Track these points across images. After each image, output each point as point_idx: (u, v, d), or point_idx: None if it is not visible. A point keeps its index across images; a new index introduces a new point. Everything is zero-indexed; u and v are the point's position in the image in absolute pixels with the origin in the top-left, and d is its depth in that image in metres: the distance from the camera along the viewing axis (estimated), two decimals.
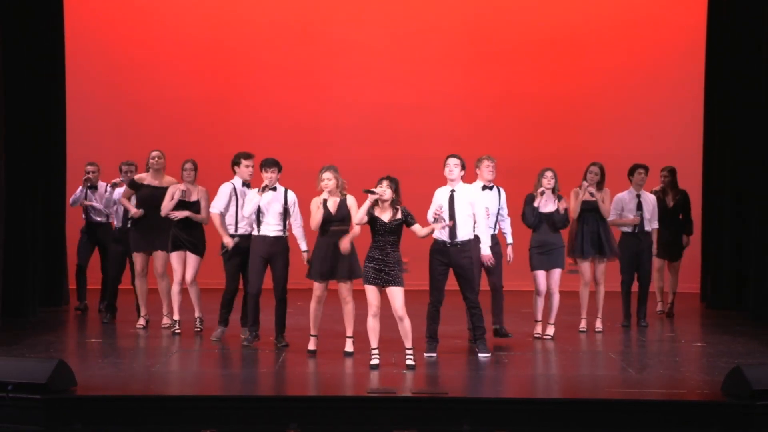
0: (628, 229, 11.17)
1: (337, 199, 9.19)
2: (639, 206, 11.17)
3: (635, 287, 11.33)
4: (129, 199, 10.80)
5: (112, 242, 11.50)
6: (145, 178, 10.73)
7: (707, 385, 8.09)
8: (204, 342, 10.10)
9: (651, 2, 14.92)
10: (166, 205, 10.32)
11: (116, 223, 11.45)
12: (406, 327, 8.74)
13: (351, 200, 9.23)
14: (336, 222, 9.19)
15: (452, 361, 9.13)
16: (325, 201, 9.17)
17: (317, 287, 9.28)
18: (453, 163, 9.28)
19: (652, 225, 11.24)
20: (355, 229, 9.20)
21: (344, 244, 9.11)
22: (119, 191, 11.24)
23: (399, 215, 8.76)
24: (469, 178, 9.73)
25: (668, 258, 12.00)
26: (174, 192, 10.33)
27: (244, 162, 10.09)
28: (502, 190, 10.16)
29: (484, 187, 10.00)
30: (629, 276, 11.25)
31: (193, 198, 10.37)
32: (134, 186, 10.73)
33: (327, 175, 9.19)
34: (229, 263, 10.03)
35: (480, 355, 9.25)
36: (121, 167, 11.42)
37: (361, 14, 15.03)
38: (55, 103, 12.65)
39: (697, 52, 13.89)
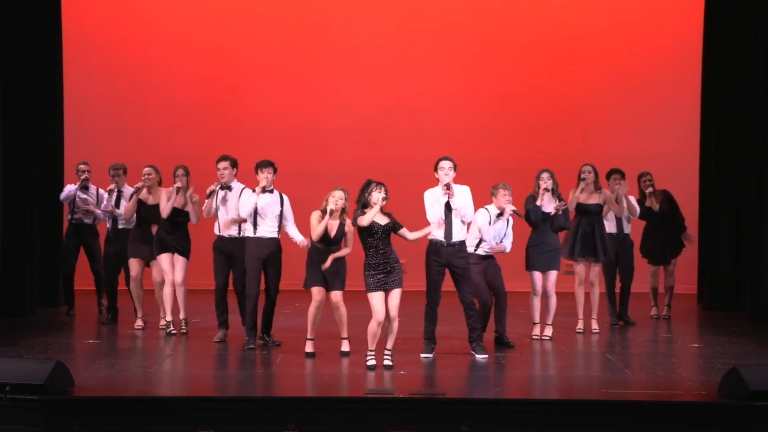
0: (611, 231, 11.19)
1: (337, 223, 9.24)
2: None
3: (618, 288, 11.41)
4: (133, 213, 10.81)
5: (105, 243, 11.49)
6: (146, 197, 10.76)
7: (704, 386, 8.09)
8: (201, 343, 10.11)
9: (648, 2, 14.95)
10: (165, 206, 10.37)
11: (108, 224, 11.43)
12: (395, 328, 8.79)
13: (349, 226, 9.29)
14: (333, 243, 9.27)
15: (450, 362, 9.14)
16: (331, 211, 9.17)
17: (317, 292, 9.31)
18: (448, 166, 9.28)
19: (629, 228, 11.32)
20: (347, 249, 9.28)
21: (327, 263, 9.20)
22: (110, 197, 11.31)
23: (389, 219, 8.80)
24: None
25: (661, 262, 11.98)
26: (170, 193, 10.39)
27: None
28: (511, 217, 10.07)
29: (499, 214, 9.93)
30: (611, 276, 11.29)
31: (187, 207, 10.42)
32: (139, 204, 10.75)
33: (340, 194, 9.23)
34: (218, 261, 10.10)
35: (477, 356, 9.26)
36: (109, 171, 11.40)
37: (358, 16, 15.04)
38: (53, 105, 12.68)
39: (695, 51, 13.90)
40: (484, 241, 9.84)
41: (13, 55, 11.58)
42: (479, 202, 9.68)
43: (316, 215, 9.27)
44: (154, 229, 10.66)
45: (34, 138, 11.97)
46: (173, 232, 10.47)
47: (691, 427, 7.38)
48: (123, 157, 12.20)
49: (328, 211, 9.17)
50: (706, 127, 13.57)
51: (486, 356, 9.27)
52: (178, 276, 10.47)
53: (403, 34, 14.99)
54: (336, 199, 9.21)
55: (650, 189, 11.67)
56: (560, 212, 10.24)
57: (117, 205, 11.24)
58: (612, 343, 10.52)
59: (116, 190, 11.24)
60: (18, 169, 11.59)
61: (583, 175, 10.74)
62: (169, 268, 10.50)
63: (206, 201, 10.16)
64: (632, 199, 11.29)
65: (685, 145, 14.33)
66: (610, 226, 11.19)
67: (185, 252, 10.53)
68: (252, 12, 15.02)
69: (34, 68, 12.02)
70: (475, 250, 9.82)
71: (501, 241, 9.97)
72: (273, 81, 15.01)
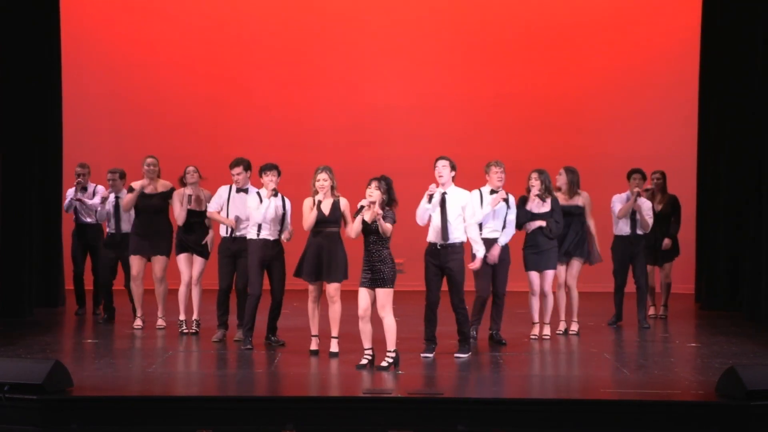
0: (625, 233, 11.17)
1: (331, 201, 9.25)
2: (633, 211, 11.16)
3: (630, 288, 11.36)
4: (132, 207, 10.78)
5: (102, 247, 11.50)
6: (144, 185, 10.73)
7: (702, 385, 8.11)
8: (200, 342, 10.12)
9: (646, 3, 14.97)
10: (179, 213, 10.39)
11: (108, 228, 11.43)
12: (385, 326, 8.75)
13: (344, 203, 9.31)
14: (329, 223, 9.27)
15: (448, 362, 9.15)
16: (319, 202, 9.21)
17: (312, 287, 9.32)
18: (441, 164, 9.31)
19: (644, 228, 11.25)
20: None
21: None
22: (110, 201, 11.29)
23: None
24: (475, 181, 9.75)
25: (655, 263, 11.98)
26: (182, 197, 10.39)
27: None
28: (511, 196, 10.05)
29: (492, 192, 9.98)
30: (622, 279, 11.27)
31: (201, 207, 10.43)
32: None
33: (323, 175, 9.27)
34: (224, 263, 10.09)
35: (455, 354, 9.27)
36: (107, 174, 11.43)
37: (356, 16, 15.06)
38: (51, 106, 12.67)
39: (692, 52, 13.92)
40: (484, 224, 9.78)
41: (13, 55, 11.59)
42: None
43: (308, 202, 9.27)
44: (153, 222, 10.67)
45: (33, 138, 11.98)
46: (192, 232, 10.48)
47: (689, 426, 7.40)
48: (122, 156, 12.23)
49: (315, 201, 9.18)
50: (705, 128, 13.59)
51: (464, 355, 9.25)
52: (194, 275, 10.47)
53: (402, 34, 15.00)
54: (321, 183, 9.21)
55: (652, 187, 11.68)
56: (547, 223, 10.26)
57: (117, 210, 11.19)
58: (609, 342, 10.53)
59: (114, 197, 11.20)
60: (17, 169, 11.60)
61: (557, 179, 10.73)
62: (186, 268, 10.51)
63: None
64: (647, 208, 11.21)
65: (683, 145, 14.34)
66: (624, 227, 11.17)
67: (204, 252, 10.52)
68: (251, 12, 15.03)
69: (33, 68, 12.02)
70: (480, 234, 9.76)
71: (505, 221, 9.91)
72: (272, 81, 15.02)
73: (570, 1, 15.07)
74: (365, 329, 8.82)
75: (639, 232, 11.20)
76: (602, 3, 15.06)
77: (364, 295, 8.80)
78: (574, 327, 10.77)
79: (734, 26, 12.63)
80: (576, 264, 10.71)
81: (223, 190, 10.18)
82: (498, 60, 14.99)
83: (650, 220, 11.17)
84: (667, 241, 11.87)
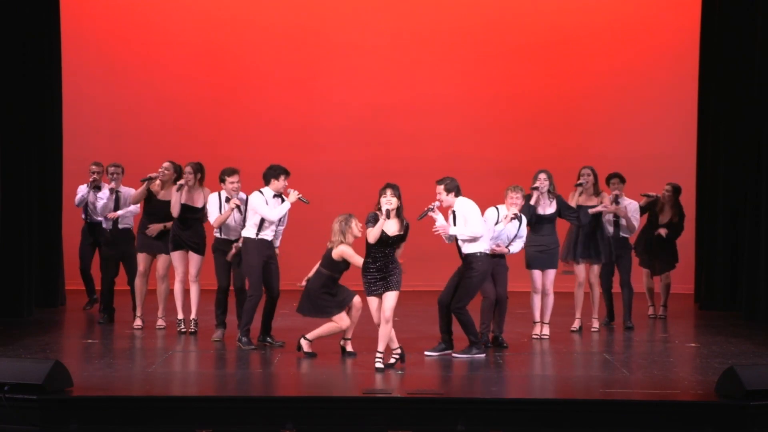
0: (609, 234, 11.18)
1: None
2: (615, 214, 11.15)
3: (617, 288, 11.40)
4: (141, 200, 10.78)
5: (103, 245, 11.47)
6: (157, 190, 10.71)
7: (701, 385, 8.12)
8: (199, 342, 10.13)
9: (645, 4, 14.96)
10: (173, 205, 10.33)
11: (105, 225, 11.37)
12: (385, 330, 8.71)
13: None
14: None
15: (448, 362, 9.16)
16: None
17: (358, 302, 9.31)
18: (437, 190, 9.36)
19: (630, 231, 11.26)
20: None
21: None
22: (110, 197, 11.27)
23: (402, 230, 8.79)
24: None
25: (648, 267, 12.00)
26: (178, 192, 10.37)
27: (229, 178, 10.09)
28: (523, 217, 10.05)
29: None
30: (608, 280, 11.28)
31: (198, 204, 10.41)
32: (149, 196, 10.71)
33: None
34: (219, 262, 10.10)
35: (454, 354, 9.31)
36: (108, 168, 11.40)
37: (356, 16, 15.04)
38: (51, 105, 12.67)
39: (691, 53, 13.92)
40: (491, 239, 9.83)
41: (13, 54, 11.59)
42: (477, 202, 9.67)
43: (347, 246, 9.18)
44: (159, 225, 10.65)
45: (33, 138, 11.97)
46: (187, 228, 10.45)
47: (689, 426, 7.41)
48: (121, 156, 12.20)
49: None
50: (703, 128, 13.59)
51: (464, 355, 9.28)
52: (191, 273, 10.44)
53: (400, 34, 14.98)
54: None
55: (657, 195, 11.77)
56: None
57: (116, 205, 11.18)
58: (609, 342, 10.54)
59: (116, 190, 11.20)
60: (16, 169, 11.60)
61: (581, 179, 10.77)
62: (182, 265, 10.48)
63: (222, 214, 10.09)
64: (633, 209, 11.23)
65: (681, 145, 14.34)
66: (608, 230, 11.18)
67: (199, 249, 10.48)
68: (249, 13, 15.00)
69: (33, 68, 12.02)
70: None
71: (511, 242, 9.95)
72: (270, 82, 15.00)
73: (570, 2, 15.06)
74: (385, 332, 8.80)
75: (624, 234, 11.21)
76: (602, 3, 15.05)
77: (375, 303, 8.79)
78: (596, 324, 10.93)
79: (734, 26, 12.63)
80: (597, 263, 10.83)
81: (213, 198, 10.14)
82: (497, 61, 14.97)
83: (636, 223, 11.21)
84: (662, 230, 11.83)
